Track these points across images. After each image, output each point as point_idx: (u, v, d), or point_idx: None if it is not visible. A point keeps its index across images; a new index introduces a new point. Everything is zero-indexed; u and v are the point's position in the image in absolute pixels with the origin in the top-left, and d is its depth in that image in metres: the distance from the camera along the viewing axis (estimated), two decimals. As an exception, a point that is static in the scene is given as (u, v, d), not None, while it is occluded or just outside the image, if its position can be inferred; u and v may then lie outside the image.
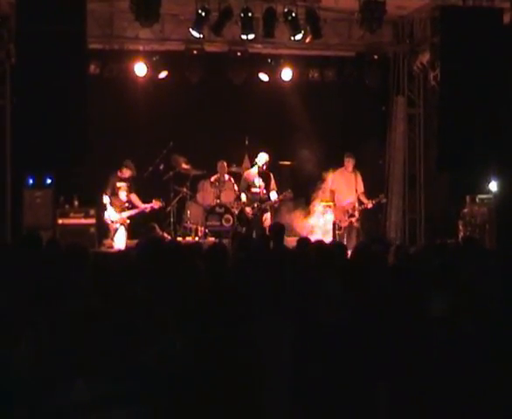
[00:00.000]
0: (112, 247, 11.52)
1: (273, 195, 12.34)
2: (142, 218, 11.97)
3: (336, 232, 12.31)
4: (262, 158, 12.32)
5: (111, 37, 12.21)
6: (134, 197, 12.00)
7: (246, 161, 12.92)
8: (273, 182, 12.42)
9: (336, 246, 6.97)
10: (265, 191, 12.30)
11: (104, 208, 11.82)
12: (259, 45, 12.60)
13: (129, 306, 3.88)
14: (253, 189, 12.34)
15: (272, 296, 4.55)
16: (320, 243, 6.79)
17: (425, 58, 12.53)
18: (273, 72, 12.98)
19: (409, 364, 3.93)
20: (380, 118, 13.90)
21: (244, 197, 12.38)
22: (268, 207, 12.29)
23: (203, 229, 12.23)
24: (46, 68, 9.68)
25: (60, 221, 11.87)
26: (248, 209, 12.25)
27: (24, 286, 4.39)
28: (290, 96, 13.09)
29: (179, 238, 11.93)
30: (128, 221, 11.87)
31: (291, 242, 9.79)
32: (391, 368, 3.96)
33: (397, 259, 5.95)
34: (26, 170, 11.58)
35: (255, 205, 12.22)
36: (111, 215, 11.79)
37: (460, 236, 11.96)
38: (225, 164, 12.57)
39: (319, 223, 12.43)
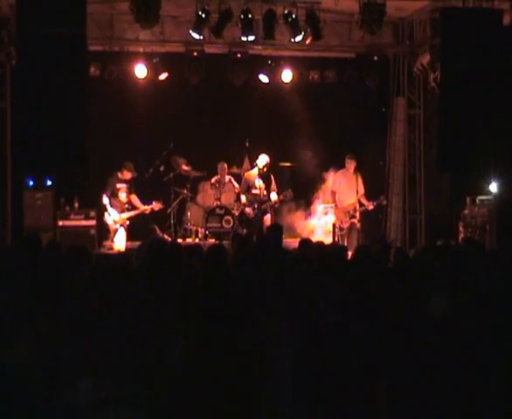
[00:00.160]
0: (112, 248, 11.52)
1: (274, 196, 12.35)
2: (142, 220, 11.98)
3: (337, 233, 12.31)
4: (263, 160, 12.32)
5: (111, 38, 12.21)
6: (134, 198, 12.02)
7: (247, 163, 12.91)
8: (273, 183, 12.43)
9: (337, 247, 6.99)
10: (265, 192, 12.30)
11: (104, 208, 11.83)
12: (259, 47, 12.57)
13: (129, 307, 3.89)
14: (254, 191, 12.34)
15: (272, 296, 4.55)
16: (320, 244, 6.80)
17: (425, 59, 12.52)
18: (274, 73, 12.95)
19: (409, 365, 3.93)
20: (380, 119, 13.90)
21: (244, 199, 12.38)
22: (269, 208, 12.30)
23: (203, 230, 12.23)
24: (47, 70, 9.66)
25: (61, 222, 11.86)
26: (249, 211, 12.25)
27: (25, 288, 4.39)
28: (290, 97, 13.09)
29: (179, 240, 11.93)
30: (128, 222, 11.88)
31: (292, 243, 9.82)
32: (392, 369, 3.96)
33: (397, 260, 5.96)
34: (26, 172, 11.59)
35: (255, 206, 12.23)
36: (111, 215, 11.80)
37: (460, 238, 11.96)
38: (226, 165, 12.58)
39: (319, 224, 12.43)
